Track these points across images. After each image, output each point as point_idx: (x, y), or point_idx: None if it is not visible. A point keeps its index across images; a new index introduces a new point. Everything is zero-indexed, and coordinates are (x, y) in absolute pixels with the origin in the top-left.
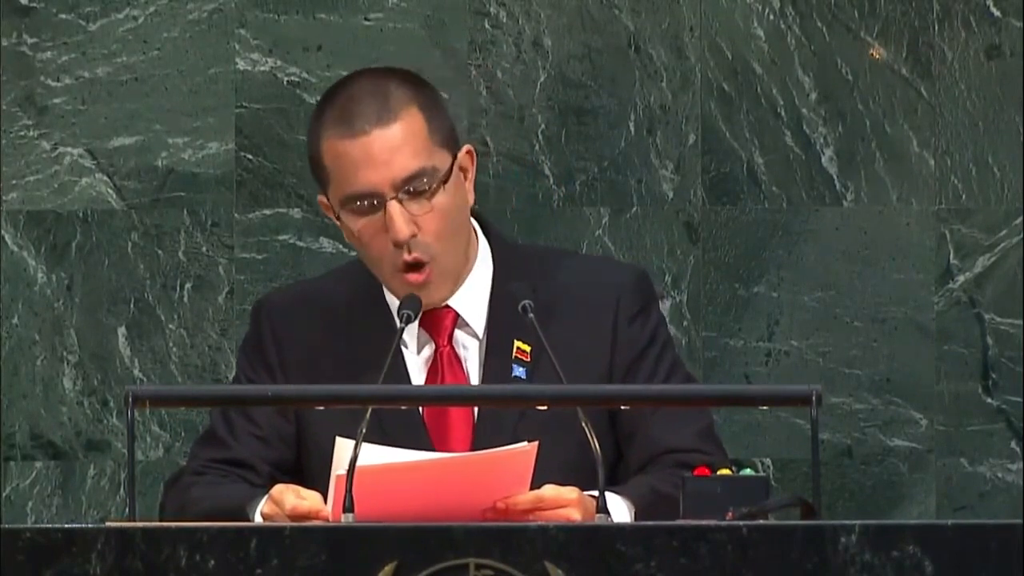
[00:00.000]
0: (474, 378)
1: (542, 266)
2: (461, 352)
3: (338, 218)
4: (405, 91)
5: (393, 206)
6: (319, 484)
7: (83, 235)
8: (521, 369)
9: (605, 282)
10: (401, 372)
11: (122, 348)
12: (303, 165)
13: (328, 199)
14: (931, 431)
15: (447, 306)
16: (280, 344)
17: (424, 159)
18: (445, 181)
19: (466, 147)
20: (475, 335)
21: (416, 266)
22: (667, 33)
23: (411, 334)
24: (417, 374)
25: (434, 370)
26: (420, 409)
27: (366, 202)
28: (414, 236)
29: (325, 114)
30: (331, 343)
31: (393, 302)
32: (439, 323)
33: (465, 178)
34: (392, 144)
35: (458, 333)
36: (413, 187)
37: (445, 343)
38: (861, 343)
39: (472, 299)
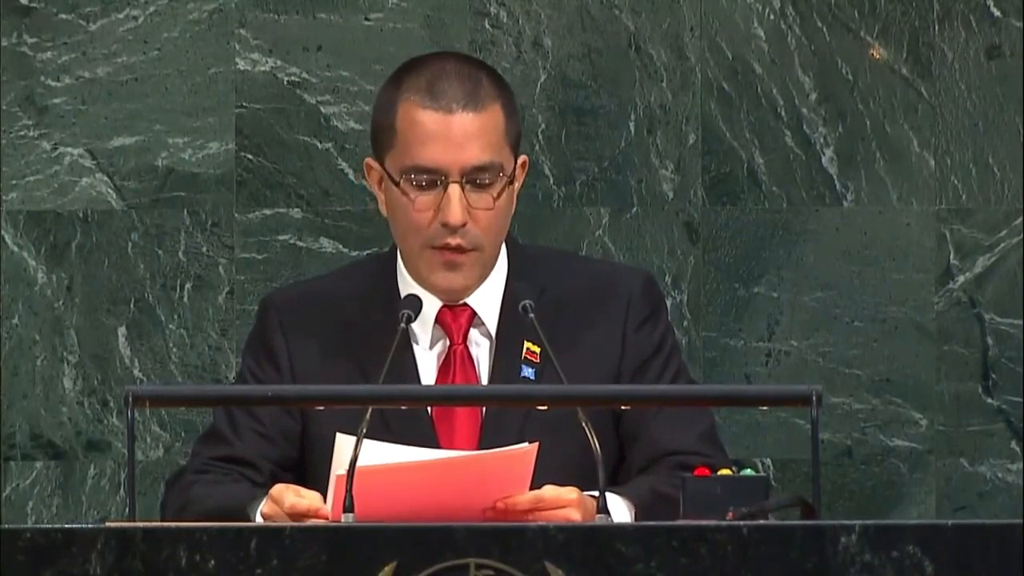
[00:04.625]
0: (485, 377)
1: (553, 268)
2: (474, 351)
3: (392, 183)
4: (493, 86)
5: (455, 189)
6: (321, 481)
7: (83, 235)
8: (530, 370)
9: (615, 286)
10: (410, 370)
11: (122, 348)
12: (303, 165)
13: (384, 163)
14: (931, 431)
15: (465, 304)
16: (288, 340)
17: (495, 154)
18: (511, 183)
19: (524, 157)
20: (488, 335)
21: (458, 250)
22: (667, 33)
23: (425, 331)
24: (428, 371)
25: (446, 368)
26: (428, 407)
27: (429, 178)
28: (464, 225)
29: (407, 80)
30: (340, 340)
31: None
32: (455, 321)
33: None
34: (471, 131)
35: (472, 332)
36: (477, 178)
37: (459, 341)
38: (861, 343)
39: (488, 298)
